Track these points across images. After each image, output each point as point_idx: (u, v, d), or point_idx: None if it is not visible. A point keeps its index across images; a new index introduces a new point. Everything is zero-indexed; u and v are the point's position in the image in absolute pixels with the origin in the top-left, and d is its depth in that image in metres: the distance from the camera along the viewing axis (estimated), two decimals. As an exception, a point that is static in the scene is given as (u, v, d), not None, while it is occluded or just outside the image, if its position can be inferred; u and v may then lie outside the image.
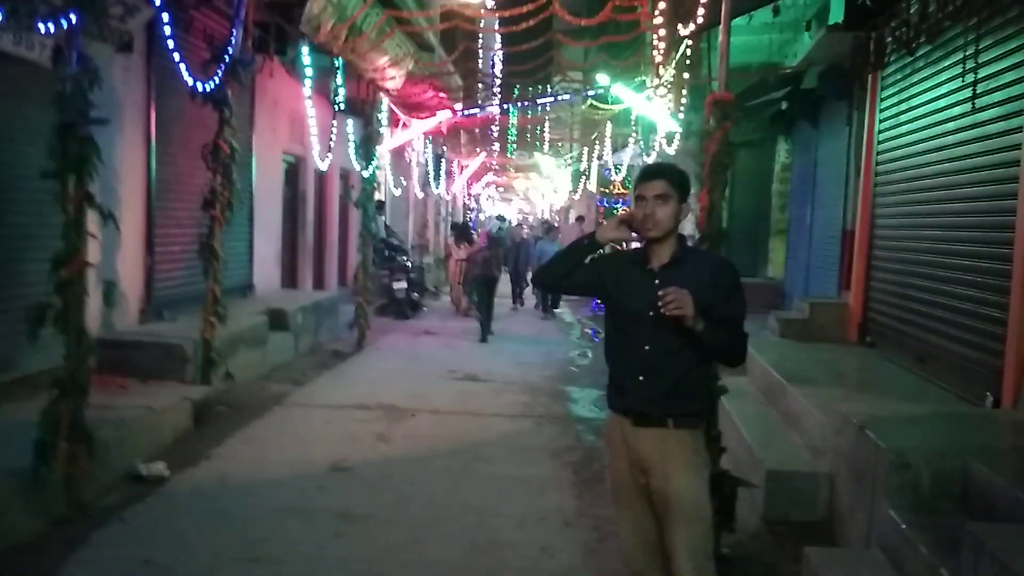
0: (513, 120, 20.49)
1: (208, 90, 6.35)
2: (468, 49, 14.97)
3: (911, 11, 5.94)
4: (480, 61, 18.00)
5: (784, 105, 11.45)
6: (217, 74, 6.16)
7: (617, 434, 2.79)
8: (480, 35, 16.42)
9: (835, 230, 8.88)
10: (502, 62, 19.14)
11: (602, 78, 10.88)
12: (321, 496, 4.86)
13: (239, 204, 7.20)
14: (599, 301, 3.01)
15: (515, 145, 24.56)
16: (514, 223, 20.16)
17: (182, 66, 6.30)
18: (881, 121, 7.28)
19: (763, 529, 4.38)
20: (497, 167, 28.65)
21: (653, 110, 11.08)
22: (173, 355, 6.61)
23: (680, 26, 9.26)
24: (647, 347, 2.68)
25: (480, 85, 17.14)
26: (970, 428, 4.28)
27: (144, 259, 7.46)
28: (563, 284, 3.00)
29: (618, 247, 3.13)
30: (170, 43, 6.35)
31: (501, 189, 38.41)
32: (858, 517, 3.99)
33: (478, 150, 22.03)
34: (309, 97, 9.01)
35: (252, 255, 9.96)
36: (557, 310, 15.19)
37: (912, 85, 6.50)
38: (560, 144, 26.58)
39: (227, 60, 6.21)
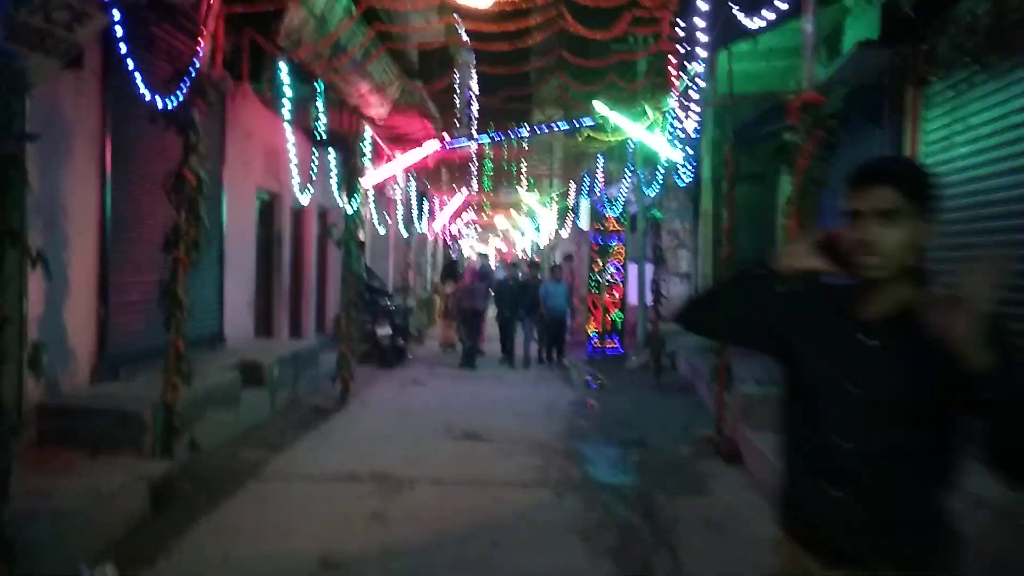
0: (490, 154, 19.91)
1: (171, 111, 5.46)
2: (447, 83, 14.33)
3: (975, 16, 5.28)
4: (456, 96, 17.40)
5: (788, 136, 10.84)
6: (180, 90, 5.26)
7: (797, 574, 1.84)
8: (456, 70, 15.82)
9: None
10: (478, 98, 18.59)
11: (600, 107, 10.17)
12: (310, 607, 3.88)
13: (207, 244, 6.27)
14: (775, 360, 1.95)
15: (491, 182, 23.92)
16: (518, 259, 19.27)
17: (140, 81, 5.42)
18: (928, 144, 6.59)
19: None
20: (475, 205, 27.98)
21: (654, 139, 10.36)
22: (129, 423, 5.60)
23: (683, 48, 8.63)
24: (850, 444, 1.74)
25: (456, 121, 16.49)
26: None
27: (96, 309, 6.46)
28: (714, 329, 2.11)
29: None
30: (128, 60, 5.50)
31: (479, 228, 37.68)
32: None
33: (458, 187, 21.30)
34: (289, 121, 8.11)
35: (223, 302, 8.98)
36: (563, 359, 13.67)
37: (972, 102, 5.81)
38: (543, 180, 26.00)
39: (192, 75, 5.33)
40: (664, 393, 10.25)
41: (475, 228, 35.66)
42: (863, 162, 1.82)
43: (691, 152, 8.75)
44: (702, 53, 6.29)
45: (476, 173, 21.48)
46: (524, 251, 34.43)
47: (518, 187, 21.92)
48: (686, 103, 7.05)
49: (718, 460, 6.57)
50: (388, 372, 12.05)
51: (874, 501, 1.72)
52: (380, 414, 8.82)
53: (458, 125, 16.83)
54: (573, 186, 17.96)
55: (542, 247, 28.49)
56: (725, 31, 8.32)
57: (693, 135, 8.38)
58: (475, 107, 18.62)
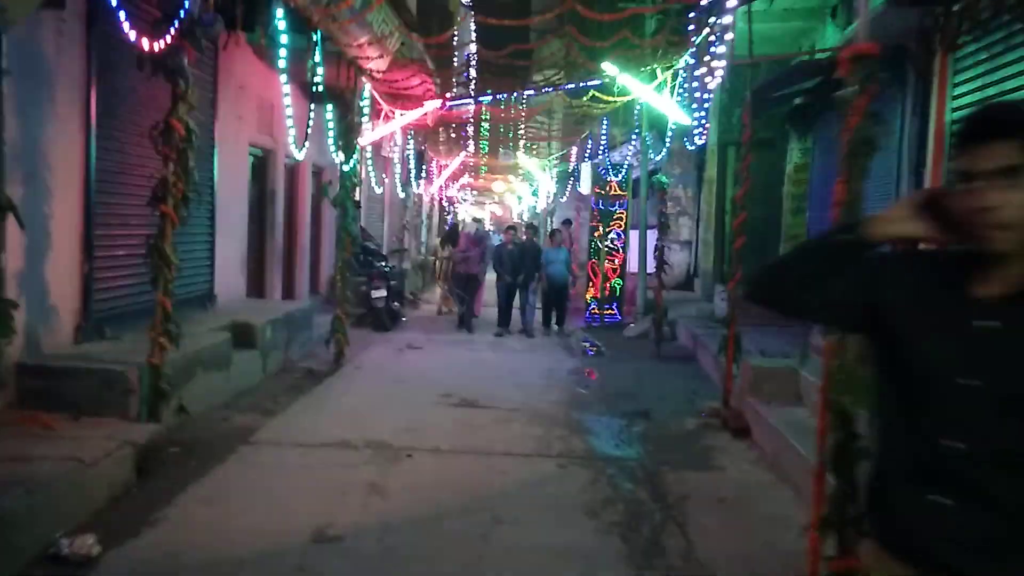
0: (486, 116, 19.35)
1: (159, 56, 5.11)
2: (446, 39, 13.86)
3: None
4: (455, 55, 16.90)
5: (798, 100, 10.51)
6: (169, 33, 4.91)
7: None
8: (455, 28, 15.31)
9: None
10: (477, 59, 18.09)
11: (609, 67, 9.79)
12: (303, 584, 3.67)
13: (197, 199, 5.96)
14: (867, 342, 1.68)
15: (487, 144, 23.42)
16: (518, 224, 18.68)
17: (126, 24, 5.06)
18: (954, 110, 6.29)
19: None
20: (472, 169, 27.51)
21: (663, 102, 10.01)
22: (113, 385, 5.34)
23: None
24: (964, 445, 1.47)
25: (454, 81, 16.03)
26: None
27: (80, 265, 6.17)
28: (794, 305, 1.73)
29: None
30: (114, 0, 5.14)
31: (475, 192, 37.22)
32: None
33: (455, 149, 20.85)
34: (284, 71, 7.72)
35: (214, 260, 8.68)
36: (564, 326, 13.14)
37: (1009, 64, 5.50)
38: (542, 144, 25.52)
39: (182, 17, 4.97)
40: (665, 363, 10.05)
41: (471, 192, 35.20)
42: (973, 113, 1.53)
43: (704, 114, 8.40)
44: (731, 2, 5.93)
45: (473, 135, 21.02)
46: (520, 215, 34.08)
47: (516, 151, 21.46)
48: (706, 61, 6.70)
49: (725, 433, 6.38)
50: (383, 336, 11.81)
51: (995, 513, 1.45)
52: (375, 379, 8.59)
53: (456, 85, 16.39)
54: (575, 150, 17.57)
55: (539, 211, 28.15)
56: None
57: (707, 96, 8.03)
58: (474, 68, 18.14)
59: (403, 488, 5.03)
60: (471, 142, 20.33)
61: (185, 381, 6.08)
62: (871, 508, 1.64)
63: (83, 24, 5.98)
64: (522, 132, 22.37)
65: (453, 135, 20.26)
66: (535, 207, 28.05)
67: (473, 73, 17.26)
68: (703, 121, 8.50)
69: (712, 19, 6.90)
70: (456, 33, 13.54)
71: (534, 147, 24.88)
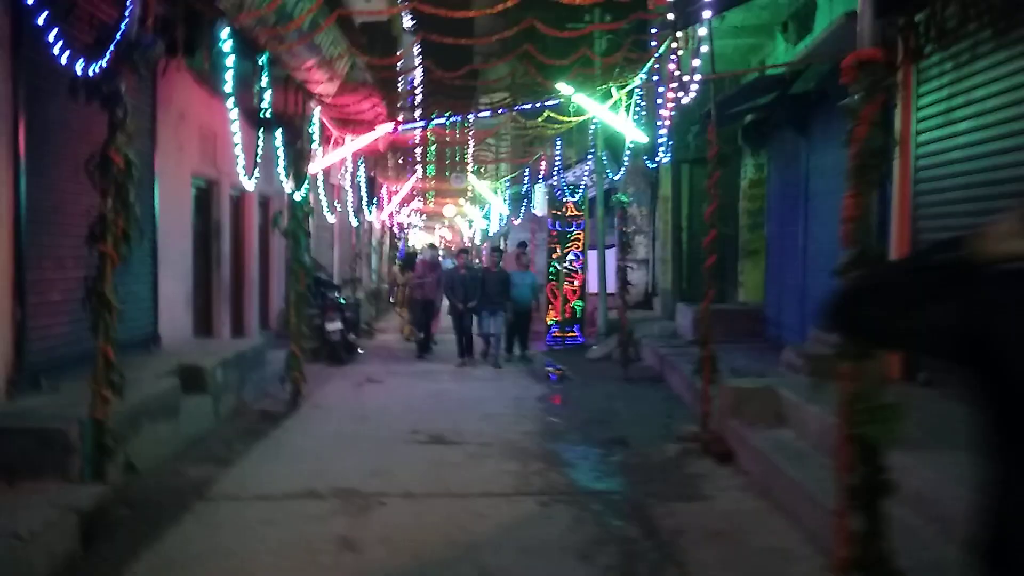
0: (433, 139, 19.08)
1: (93, 82, 4.71)
2: (392, 63, 13.62)
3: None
4: (400, 79, 16.65)
5: (751, 117, 10.53)
6: (104, 56, 4.52)
7: None
8: (400, 52, 15.10)
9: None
10: (423, 83, 17.87)
11: (564, 87, 9.65)
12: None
13: (137, 236, 5.52)
14: (975, 376, 1.40)
15: (435, 168, 23.18)
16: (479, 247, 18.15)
17: (57, 49, 4.66)
18: (920, 121, 6.27)
19: None
20: (421, 193, 27.20)
21: (619, 121, 9.90)
22: (52, 444, 4.86)
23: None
24: None
25: (398, 106, 15.80)
26: None
27: (12, 311, 5.66)
28: (886, 331, 1.47)
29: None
30: (42, 25, 4.73)
31: (424, 216, 36.86)
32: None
33: (405, 174, 20.55)
34: (229, 96, 7.31)
35: (157, 299, 8.18)
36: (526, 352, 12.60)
37: (976, 74, 5.48)
38: (491, 166, 25.36)
39: (119, 40, 4.58)
40: (634, 385, 9.85)
41: (422, 216, 34.85)
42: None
43: (666, 132, 8.28)
44: (707, 14, 5.79)
45: (421, 159, 20.75)
46: (471, 239, 33.84)
47: (466, 174, 21.24)
48: (676, 77, 6.56)
49: (707, 459, 6.16)
50: (340, 369, 11.35)
51: None
52: (336, 418, 8.16)
53: (403, 109, 16.12)
54: (527, 171, 17.42)
55: (491, 234, 27.93)
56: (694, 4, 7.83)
57: (670, 113, 7.90)
58: (419, 92, 17.91)
59: (378, 541, 4.65)
60: (419, 166, 20.08)
61: (131, 434, 5.60)
62: (988, 560, 1.39)
63: (7, 49, 5.53)
64: (469, 156, 22.23)
65: (402, 160, 19.96)
66: (487, 230, 27.81)
67: (419, 97, 17.05)
68: (667, 139, 8.37)
69: (678, 33, 6.76)
70: (402, 57, 13.32)
71: (483, 170, 24.75)
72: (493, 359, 11.84)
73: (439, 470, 6.19)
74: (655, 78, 7.77)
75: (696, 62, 6.19)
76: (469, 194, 27.41)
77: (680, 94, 6.48)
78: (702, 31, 6.00)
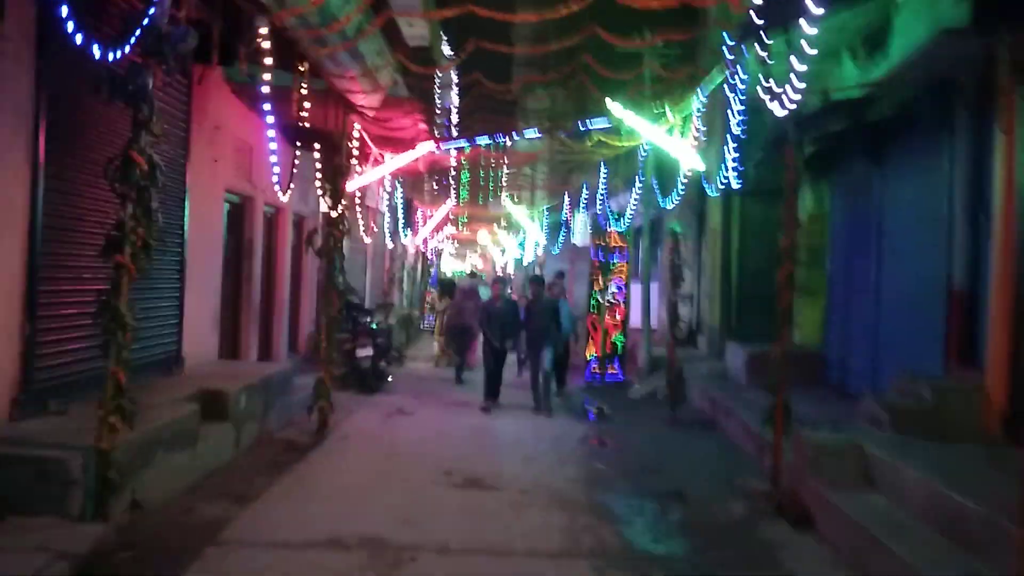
0: (467, 165, 18.61)
1: (118, 77, 4.25)
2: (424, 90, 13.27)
3: None
4: (437, 102, 16.30)
5: (811, 148, 9.89)
6: (129, 47, 4.06)
7: None
8: (437, 76, 14.72)
9: (930, 289, 7.12)
10: (459, 106, 17.49)
11: (616, 107, 9.11)
12: None
13: (162, 248, 5.04)
14: None
15: (468, 193, 22.75)
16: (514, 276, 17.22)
17: (82, 42, 4.21)
18: (1028, 150, 5.60)
19: None
20: (453, 217, 26.79)
21: (674, 145, 9.31)
22: (51, 477, 4.34)
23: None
24: None
25: (434, 129, 15.44)
26: None
27: (20, 326, 5.19)
28: None
29: None
30: (67, 17, 4.30)
31: (456, 243, 36.46)
32: None
33: (441, 198, 20.12)
34: (265, 114, 6.86)
35: (182, 318, 7.70)
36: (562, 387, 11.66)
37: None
38: (525, 192, 24.87)
39: (146, 30, 4.13)
40: (684, 430, 9.13)
41: (454, 243, 34.47)
42: None
43: (737, 157, 7.67)
44: (814, 9, 5.19)
45: (455, 184, 20.34)
46: (503, 268, 33.34)
47: (504, 199, 20.75)
48: (768, 89, 5.96)
49: (781, 523, 5.44)
50: (369, 398, 10.77)
51: None
52: (365, 452, 7.57)
53: (440, 128, 15.74)
54: (567, 199, 16.87)
55: (525, 264, 27.38)
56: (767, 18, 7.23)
57: (739, 136, 7.31)
58: (455, 117, 17.54)
59: (411, 607, 4.02)
60: (454, 191, 19.65)
61: (142, 466, 5.07)
62: None
63: (31, 44, 5.11)
64: (505, 182, 21.74)
65: (438, 184, 19.56)
66: (521, 259, 27.25)
67: (456, 119, 16.63)
68: (736, 164, 7.76)
69: (762, 41, 6.18)
70: (447, 68, 12.93)
71: (517, 197, 24.27)
72: (545, 405, 10.09)
73: (476, 520, 5.56)
74: (731, 92, 7.17)
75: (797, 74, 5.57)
76: (503, 221, 26.98)
77: (775, 106, 5.86)
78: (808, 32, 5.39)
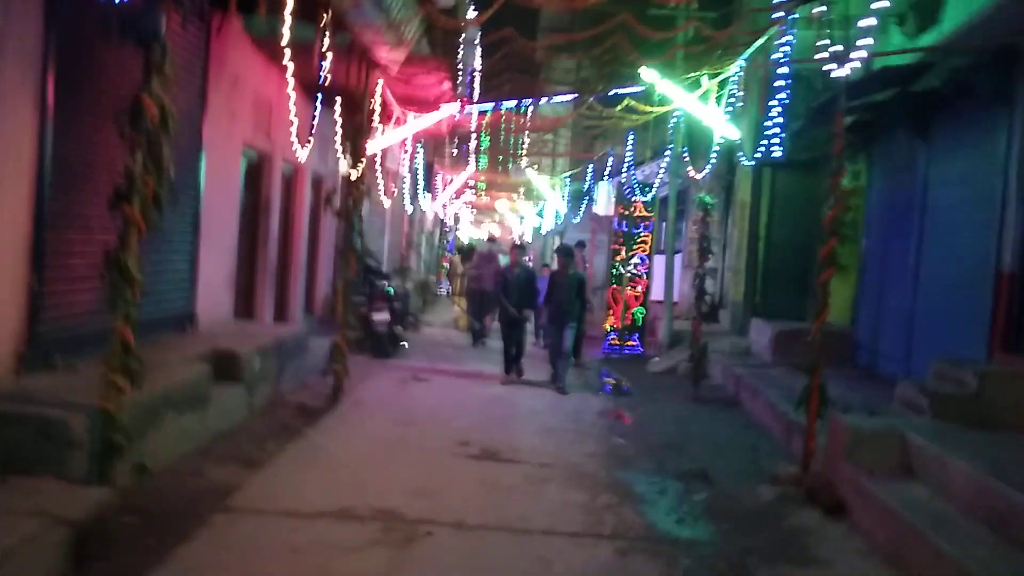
0: (487, 131, 18.07)
1: (130, 15, 3.98)
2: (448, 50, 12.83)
3: None
4: (460, 67, 15.84)
5: (851, 118, 9.47)
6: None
7: None
8: (461, 32, 14.26)
9: (975, 271, 6.79)
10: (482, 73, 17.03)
11: (648, 73, 8.73)
12: None
13: (174, 202, 4.80)
14: None
15: (488, 159, 22.30)
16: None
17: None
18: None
19: None
20: (472, 184, 26.41)
21: (708, 113, 8.93)
22: (52, 436, 4.15)
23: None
24: None
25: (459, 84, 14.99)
26: None
27: (25, 277, 4.98)
28: None
29: None
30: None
31: (475, 210, 36.11)
32: None
33: (461, 163, 19.74)
34: (289, 62, 6.56)
35: (195, 276, 7.50)
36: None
37: None
38: (546, 160, 24.45)
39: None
40: (706, 407, 8.89)
41: (472, 210, 34.14)
42: None
43: (780, 124, 7.29)
44: None
45: (476, 149, 19.92)
46: (521, 236, 33.01)
47: (525, 167, 20.34)
48: (829, 49, 5.61)
49: (812, 509, 5.19)
50: (384, 363, 10.61)
51: None
52: (379, 419, 7.39)
53: (460, 92, 15.33)
54: (592, 168, 16.47)
55: (543, 232, 27.03)
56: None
57: (782, 102, 6.92)
58: (478, 77, 17.09)
59: (424, 585, 3.83)
60: (474, 156, 19.24)
61: (150, 427, 4.89)
62: None
63: (41, -21, 4.84)
64: (525, 149, 21.24)
65: (459, 148, 19.17)
66: (539, 227, 26.87)
67: (478, 80, 16.15)
68: (780, 132, 7.38)
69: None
70: (470, 25, 12.47)
71: (537, 165, 23.82)
72: (560, 383, 9.57)
73: (494, 494, 5.36)
74: (780, 57, 6.77)
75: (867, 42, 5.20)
76: (523, 189, 26.58)
77: (836, 68, 5.51)
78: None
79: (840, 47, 5.42)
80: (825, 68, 5.65)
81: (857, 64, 5.35)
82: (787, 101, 7.21)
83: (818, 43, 5.75)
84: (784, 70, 6.56)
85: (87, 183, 5.52)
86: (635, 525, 4.95)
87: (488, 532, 4.68)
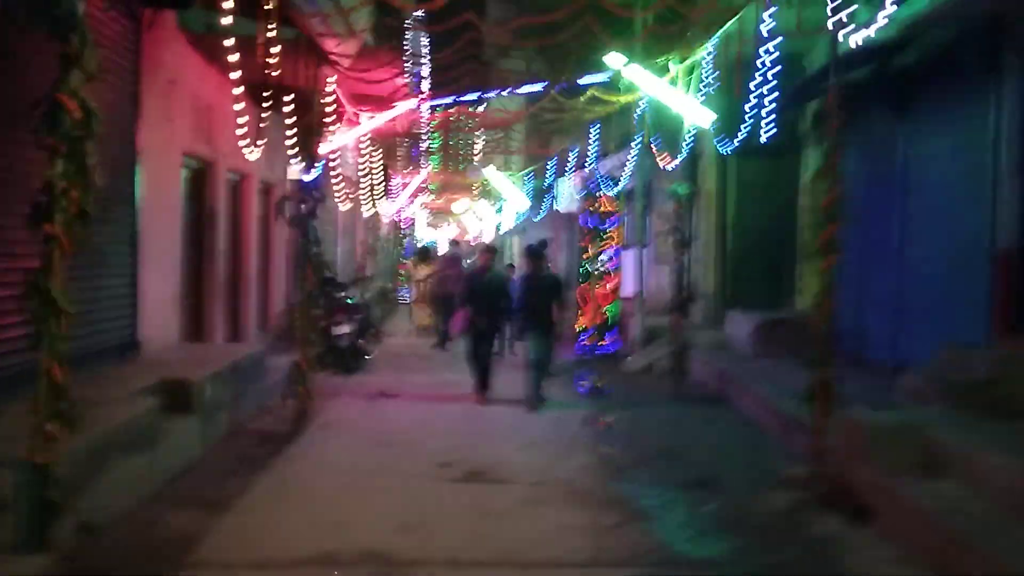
0: (438, 131, 17.45)
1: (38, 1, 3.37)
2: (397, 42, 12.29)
3: None
4: (406, 61, 15.24)
5: (817, 101, 9.22)
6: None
7: None
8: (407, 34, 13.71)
9: (968, 250, 6.52)
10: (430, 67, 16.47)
11: (614, 59, 8.31)
12: None
13: (107, 217, 4.19)
14: None
15: (439, 158, 21.71)
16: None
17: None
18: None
19: None
20: (427, 186, 25.80)
21: (678, 99, 8.57)
22: (-28, 499, 3.51)
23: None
24: None
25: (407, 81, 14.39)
26: None
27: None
28: None
29: None
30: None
31: (430, 213, 35.43)
32: None
33: (414, 163, 19.13)
34: (231, 61, 5.95)
35: (137, 297, 6.83)
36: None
37: None
38: (499, 157, 23.93)
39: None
40: (692, 406, 8.51)
41: (428, 212, 33.48)
42: None
43: (772, 108, 6.93)
44: None
45: (426, 150, 19.33)
46: (478, 236, 32.51)
47: (481, 165, 19.82)
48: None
49: (831, 515, 4.81)
50: (348, 379, 10.01)
51: None
52: (350, 443, 6.81)
53: (410, 84, 14.75)
54: (554, 163, 16.03)
55: (503, 232, 26.56)
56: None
57: (772, 78, 6.56)
58: (429, 76, 16.54)
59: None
60: (426, 156, 18.66)
61: (93, 476, 4.27)
62: None
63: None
64: (478, 147, 20.72)
65: (409, 148, 18.56)
66: (500, 226, 26.36)
67: (426, 73, 15.59)
68: (767, 116, 7.02)
69: None
70: (408, 38, 11.92)
71: (493, 162, 23.32)
72: (531, 397, 8.50)
73: (486, 523, 4.86)
74: (766, 30, 6.40)
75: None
76: (477, 188, 26.07)
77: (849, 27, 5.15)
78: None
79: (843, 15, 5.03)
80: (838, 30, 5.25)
81: (869, 32, 4.98)
82: (773, 81, 6.85)
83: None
84: (770, 46, 6.20)
85: (8, 200, 4.85)
86: (646, 547, 4.49)
87: (486, 569, 4.18)
